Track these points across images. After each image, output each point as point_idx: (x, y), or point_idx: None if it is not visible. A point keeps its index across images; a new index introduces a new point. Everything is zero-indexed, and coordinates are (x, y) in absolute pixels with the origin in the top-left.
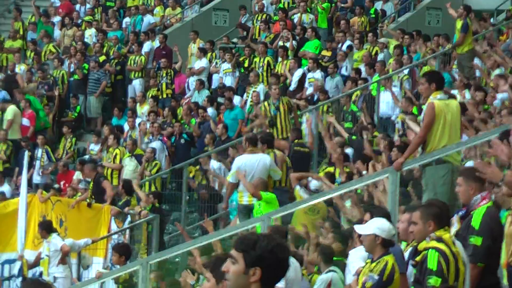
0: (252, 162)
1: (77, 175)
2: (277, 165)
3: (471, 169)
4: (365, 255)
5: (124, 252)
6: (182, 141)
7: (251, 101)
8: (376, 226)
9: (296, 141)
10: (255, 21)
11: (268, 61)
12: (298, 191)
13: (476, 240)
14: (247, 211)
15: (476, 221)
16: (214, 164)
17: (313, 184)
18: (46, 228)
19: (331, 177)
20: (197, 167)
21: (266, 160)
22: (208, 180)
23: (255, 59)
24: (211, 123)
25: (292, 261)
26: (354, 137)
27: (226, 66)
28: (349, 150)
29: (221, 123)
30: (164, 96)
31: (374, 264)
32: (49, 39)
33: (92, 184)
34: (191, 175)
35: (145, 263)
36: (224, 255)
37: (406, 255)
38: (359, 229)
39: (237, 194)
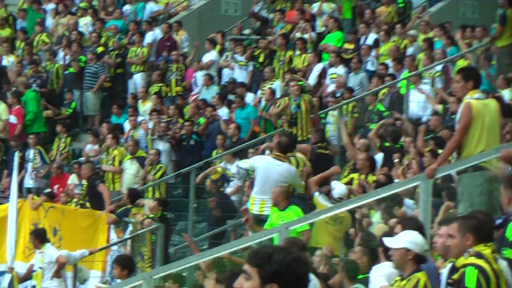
0: (275, 168)
1: (72, 179)
2: (301, 175)
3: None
4: (389, 273)
5: (126, 265)
6: (192, 142)
7: (265, 99)
8: (407, 239)
9: (319, 144)
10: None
11: (290, 56)
12: (317, 197)
13: (510, 253)
14: (257, 222)
15: (511, 232)
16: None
17: (337, 192)
18: (40, 237)
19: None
20: (219, 169)
21: (291, 171)
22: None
23: (277, 53)
24: (221, 122)
25: (312, 277)
26: (387, 144)
27: (240, 58)
28: (379, 156)
29: (232, 123)
30: (173, 93)
31: (404, 281)
32: (41, 28)
33: (86, 187)
34: (214, 177)
35: (149, 277)
36: (240, 270)
37: (445, 272)
38: (388, 242)
39: (249, 200)
